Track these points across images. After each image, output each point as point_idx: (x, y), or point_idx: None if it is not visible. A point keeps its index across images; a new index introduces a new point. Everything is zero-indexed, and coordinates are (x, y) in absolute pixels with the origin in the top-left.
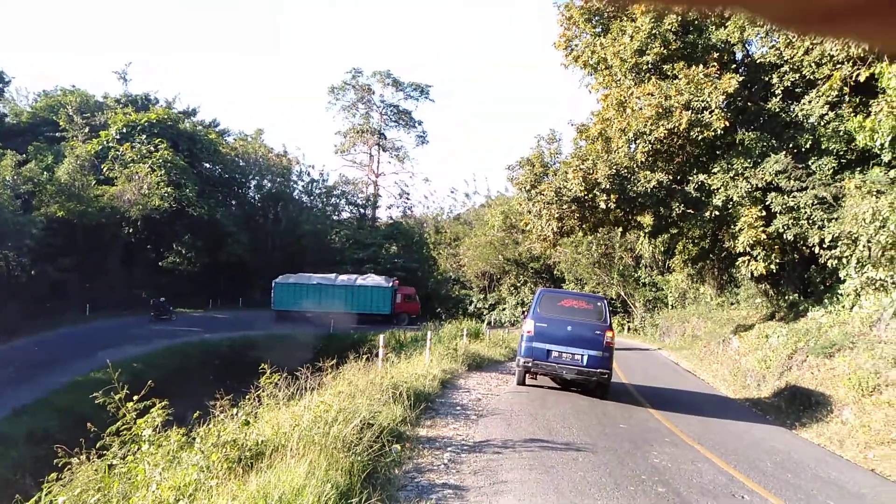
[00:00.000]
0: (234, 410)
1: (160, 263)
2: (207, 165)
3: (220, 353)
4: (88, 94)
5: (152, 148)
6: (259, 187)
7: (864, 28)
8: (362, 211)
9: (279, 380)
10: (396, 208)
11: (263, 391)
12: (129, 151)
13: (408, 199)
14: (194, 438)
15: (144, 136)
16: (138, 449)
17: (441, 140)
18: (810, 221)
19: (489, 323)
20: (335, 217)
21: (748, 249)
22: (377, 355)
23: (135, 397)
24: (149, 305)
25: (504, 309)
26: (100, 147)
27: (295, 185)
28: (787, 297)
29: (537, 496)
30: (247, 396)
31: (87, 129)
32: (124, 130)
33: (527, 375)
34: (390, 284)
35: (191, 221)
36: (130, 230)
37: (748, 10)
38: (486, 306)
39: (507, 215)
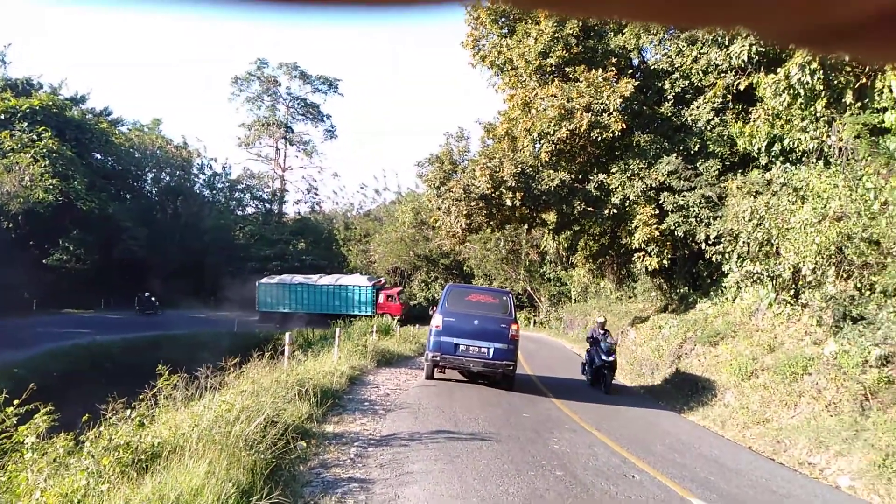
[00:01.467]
0: (128, 413)
1: (45, 261)
2: (98, 156)
3: (113, 356)
4: None
5: (35, 136)
6: (156, 180)
7: (872, 45)
8: (268, 206)
9: (178, 381)
10: (304, 203)
11: (160, 393)
12: (7, 140)
13: (316, 194)
14: (84, 443)
15: (26, 124)
16: (20, 457)
17: (351, 135)
18: (698, 219)
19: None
20: (239, 212)
21: (643, 246)
22: (283, 353)
23: (15, 402)
24: (137, 300)
25: (416, 305)
26: None
27: (196, 179)
28: (678, 291)
29: (441, 484)
30: (140, 397)
31: None
32: (2, 117)
33: (435, 369)
34: (371, 284)
35: (80, 216)
36: (10, 225)
37: (754, 28)
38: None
39: (417, 212)
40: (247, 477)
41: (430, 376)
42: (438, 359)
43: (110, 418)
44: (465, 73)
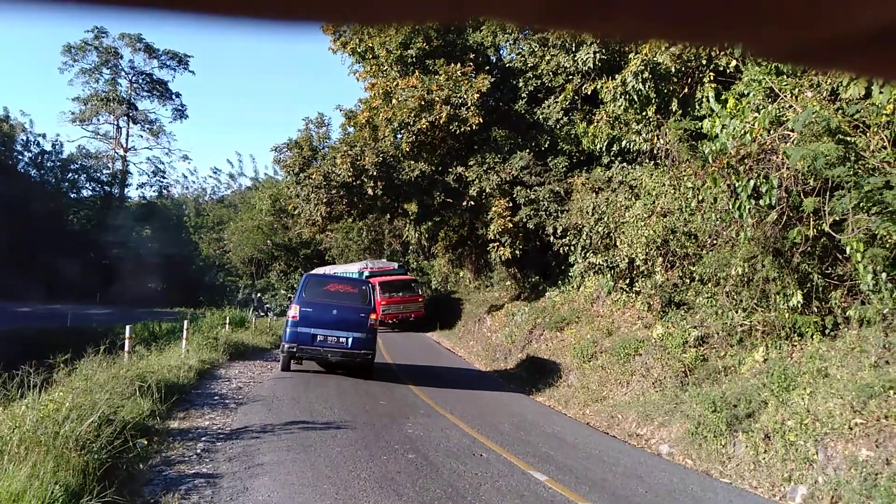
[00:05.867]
0: None
1: None
2: None
3: None
4: None
5: None
6: None
7: (871, 61)
8: (108, 189)
9: None
10: (150, 187)
11: None
12: None
13: (164, 177)
14: None
15: None
16: None
17: (203, 115)
18: (547, 213)
19: (254, 310)
20: (73, 195)
21: (498, 237)
22: (123, 347)
23: None
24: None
25: (275, 296)
26: None
27: (20, 157)
28: (530, 280)
29: (293, 474)
30: None
31: None
32: None
33: (292, 361)
34: (358, 270)
35: None
36: None
37: (749, 45)
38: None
39: (276, 199)
40: (77, 478)
41: (286, 368)
42: (295, 350)
43: None
44: (326, 57)
